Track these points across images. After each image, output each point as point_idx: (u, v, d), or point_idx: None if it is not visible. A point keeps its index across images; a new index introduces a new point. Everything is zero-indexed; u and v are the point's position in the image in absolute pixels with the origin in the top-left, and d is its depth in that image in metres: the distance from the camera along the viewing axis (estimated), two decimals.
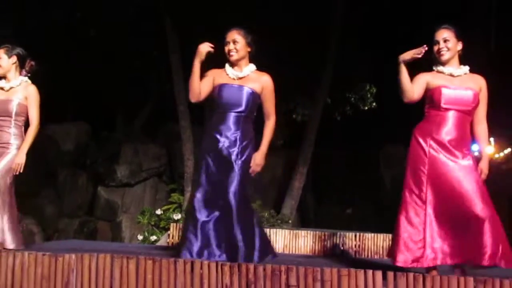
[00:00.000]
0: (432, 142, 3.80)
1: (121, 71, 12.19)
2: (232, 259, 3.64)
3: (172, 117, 11.10)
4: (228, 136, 3.96)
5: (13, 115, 4.50)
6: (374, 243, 6.85)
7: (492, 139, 12.28)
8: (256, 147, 4.08)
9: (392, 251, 3.87)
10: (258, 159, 4.00)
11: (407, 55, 3.76)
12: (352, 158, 12.67)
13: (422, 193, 3.78)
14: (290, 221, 10.16)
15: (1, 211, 4.29)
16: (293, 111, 14.28)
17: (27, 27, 10.60)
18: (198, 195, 3.95)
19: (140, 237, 9.82)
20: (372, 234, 6.97)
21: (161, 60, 11.19)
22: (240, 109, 4.00)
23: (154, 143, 12.60)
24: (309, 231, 7.04)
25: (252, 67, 4.13)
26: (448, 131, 3.80)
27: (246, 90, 4.00)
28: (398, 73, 3.80)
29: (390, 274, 2.76)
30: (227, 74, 4.09)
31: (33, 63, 4.69)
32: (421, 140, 3.86)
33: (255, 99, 4.06)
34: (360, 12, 11.26)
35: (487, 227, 3.58)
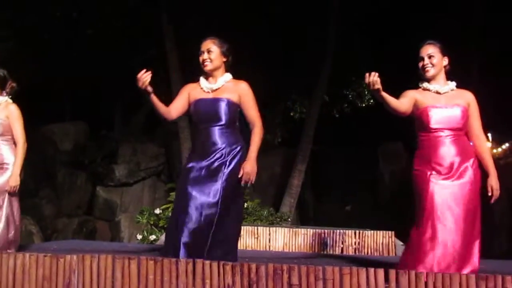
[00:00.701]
0: (432, 170, 3.70)
1: (119, 71, 12.17)
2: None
3: None
4: (212, 151, 3.77)
5: None
6: (374, 240, 6.85)
7: (489, 134, 12.29)
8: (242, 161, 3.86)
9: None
10: (247, 167, 3.76)
11: (374, 86, 3.48)
12: (350, 155, 12.68)
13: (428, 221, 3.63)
14: (289, 219, 10.17)
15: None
16: (291, 109, 14.30)
17: (26, 28, 10.58)
18: (180, 207, 3.76)
19: (139, 237, 9.81)
20: (372, 231, 6.97)
21: (159, 59, 11.18)
22: (221, 123, 3.81)
23: (152, 142, 12.61)
24: (308, 229, 7.05)
25: (228, 76, 3.94)
26: (445, 153, 3.72)
27: (221, 102, 3.83)
28: (382, 101, 3.64)
29: (392, 272, 2.75)
30: (201, 88, 3.92)
31: (14, 84, 4.69)
32: (421, 170, 3.76)
33: (234, 108, 3.87)
34: (357, 10, 11.27)
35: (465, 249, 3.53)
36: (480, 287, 2.69)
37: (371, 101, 13.94)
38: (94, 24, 11.14)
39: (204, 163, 3.77)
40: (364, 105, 14.13)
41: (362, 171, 12.71)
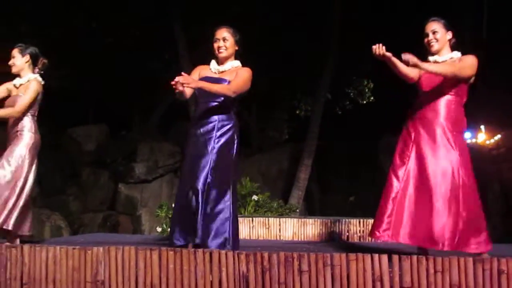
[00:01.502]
0: (416, 125, 3.76)
1: (136, 75, 12.23)
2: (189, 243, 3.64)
3: (185, 116, 11.13)
4: (206, 123, 3.85)
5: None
6: None
7: (482, 126, 12.20)
8: (239, 139, 3.93)
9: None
10: (191, 80, 3.69)
11: (379, 51, 3.58)
12: (353, 149, 12.66)
13: (401, 171, 3.78)
14: (297, 210, 10.17)
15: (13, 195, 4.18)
16: (297, 108, 14.28)
17: (51, 38, 10.64)
18: (180, 187, 3.92)
19: (159, 229, 9.84)
20: None
21: (173, 63, 11.22)
22: (218, 99, 3.85)
23: (168, 141, 12.65)
24: (316, 219, 7.03)
25: (236, 63, 4.00)
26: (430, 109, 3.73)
27: (223, 81, 3.88)
28: (393, 66, 3.68)
29: (395, 257, 2.76)
30: (210, 69, 4.01)
31: (45, 61, 4.55)
32: (408, 124, 3.85)
33: None
34: (357, 10, 11.21)
35: (444, 211, 3.52)
36: (477, 269, 2.69)
37: (371, 98, 13.91)
38: (113, 33, 11.19)
39: (198, 132, 3.87)
40: (365, 102, 14.10)
41: (364, 164, 12.68)
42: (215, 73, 3.98)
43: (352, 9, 10.98)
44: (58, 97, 10.05)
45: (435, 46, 3.81)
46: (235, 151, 3.88)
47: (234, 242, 3.71)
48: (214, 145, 3.80)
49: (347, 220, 6.94)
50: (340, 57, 10.96)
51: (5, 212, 4.12)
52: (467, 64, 3.73)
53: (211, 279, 2.97)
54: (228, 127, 3.86)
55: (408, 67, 3.70)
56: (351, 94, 13.90)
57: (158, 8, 10.90)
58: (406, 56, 3.52)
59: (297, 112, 14.30)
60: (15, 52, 4.49)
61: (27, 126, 4.35)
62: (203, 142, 3.83)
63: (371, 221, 6.92)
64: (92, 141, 12.21)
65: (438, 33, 3.80)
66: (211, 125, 3.84)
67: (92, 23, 10.99)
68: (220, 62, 4.01)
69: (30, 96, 4.31)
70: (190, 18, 10.52)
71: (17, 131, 4.33)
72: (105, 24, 11.04)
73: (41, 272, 3.23)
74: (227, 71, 3.97)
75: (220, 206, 3.73)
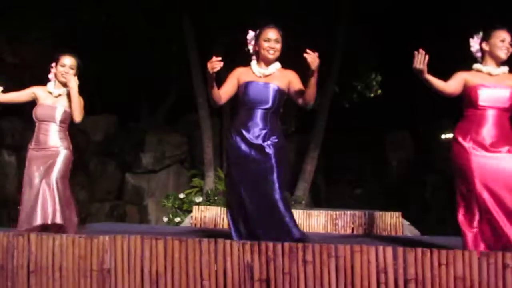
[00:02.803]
0: (472, 142, 3.65)
1: (144, 66, 12.22)
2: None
3: (192, 108, 11.13)
4: (256, 131, 3.75)
5: (58, 122, 4.44)
6: (382, 220, 6.83)
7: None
8: (284, 144, 3.86)
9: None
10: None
11: (419, 66, 3.49)
12: (360, 143, 12.62)
13: (473, 187, 3.59)
14: (303, 202, 10.17)
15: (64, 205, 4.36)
16: None
17: (60, 30, 10.65)
18: (236, 190, 3.76)
19: (165, 219, 9.90)
20: (380, 212, 6.94)
21: (181, 55, 11.19)
22: (267, 106, 3.78)
23: (176, 132, 12.65)
24: (321, 211, 7.04)
25: (278, 65, 3.92)
26: (487, 130, 3.66)
27: (272, 87, 3.80)
28: (426, 83, 3.60)
29: (400, 250, 2.75)
30: (253, 72, 3.87)
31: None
32: (461, 140, 3.71)
33: (282, 96, 3.86)
34: (367, 6, 11.11)
35: None
36: (482, 263, 2.67)
37: (379, 91, 13.83)
38: (120, 25, 11.18)
39: (247, 138, 3.75)
40: (372, 95, 14.01)
41: (370, 157, 12.65)
42: (260, 77, 3.86)
43: (360, 1, 10.89)
44: None
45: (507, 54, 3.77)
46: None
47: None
48: (270, 151, 3.72)
49: (352, 212, 6.95)
50: (348, 50, 10.89)
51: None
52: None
53: (216, 268, 2.98)
54: (276, 135, 3.79)
55: (443, 83, 3.67)
56: (358, 87, 13.82)
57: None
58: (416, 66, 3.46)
59: None
60: (75, 63, 4.46)
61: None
62: (256, 148, 3.73)
63: (376, 213, 6.95)
64: (100, 131, 12.24)
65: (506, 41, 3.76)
66: (262, 132, 3.75)
67: (102, 16, 10.97)
68: (264, 63, 3.89)
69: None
70: (199, 9, 10.47)
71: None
72: (113, 17, 11.02)
73: (48, 260, 3.25)
74: (272, 75, 3.87)
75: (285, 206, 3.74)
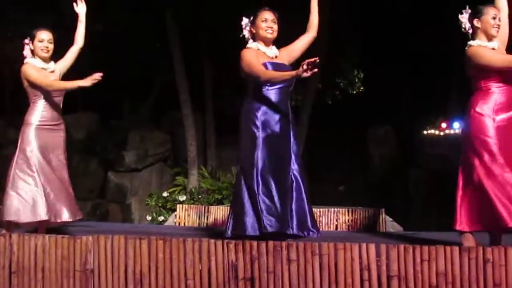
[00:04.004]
0: (496, 115, 3.60)
1: (127, 63, 12.13)
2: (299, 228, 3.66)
3: (175, 105, 11.08)
4: (282, 110, 3.76)
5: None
6: (366, 217, 6.88)
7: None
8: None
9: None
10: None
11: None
12: (342, 139, 12.70)
13: (497, 156, 3.51)
14: None
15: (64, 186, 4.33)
16: None
17: (40, 24, 10.49)
18: (259, 169, 3.63)
19: (148, 218, 9.86)
20: (364, 209, 7.00)
21: (163, 52, 11.14)
22: (288, 84, 3.81)
23: (159, 130, 12.61)
24: None
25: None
26: (507, 99, 3.63)
27: (287, 67, 3.86)
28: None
29: (383, 247, 2.78)
30: (264, 53, 3.84)
31: None
32: (484, 112, 3.62)
33: None
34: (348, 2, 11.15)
35: None
36: (463, 258, 2.71)
37: (361, 88, 13.93)
38: (102, 21, 11.07)
39: (277, 120, 3.75)
40: (354, 92, 14.12)
41: (353, 154, 12.73)
42: (272, 58, 3.86)
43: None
44: None
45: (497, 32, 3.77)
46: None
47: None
48: (292, 131, 3.82)
49: (336, 209, 6.99)
50: (330, 47, 10.94)
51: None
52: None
53: (200, 268, 2.98)
54: (291, 113, 3.86)
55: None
56: (341, 84, 13.91)
57: None
58: None
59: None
60: (52, 37, 4.38)
61: None
62: (284, 127, 3.76)
63: (360, 210, 7.00)
64: (82, 129, 12.14)
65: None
66: (287, 110, 3.82)
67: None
68: (266, 44, 3.88)
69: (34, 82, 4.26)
70: (182, 5, 10.42)
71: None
72: (93, 11, 10.91)
73: (30, 261, 3.22)
74: (279, 55, 3.91)
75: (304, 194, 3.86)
